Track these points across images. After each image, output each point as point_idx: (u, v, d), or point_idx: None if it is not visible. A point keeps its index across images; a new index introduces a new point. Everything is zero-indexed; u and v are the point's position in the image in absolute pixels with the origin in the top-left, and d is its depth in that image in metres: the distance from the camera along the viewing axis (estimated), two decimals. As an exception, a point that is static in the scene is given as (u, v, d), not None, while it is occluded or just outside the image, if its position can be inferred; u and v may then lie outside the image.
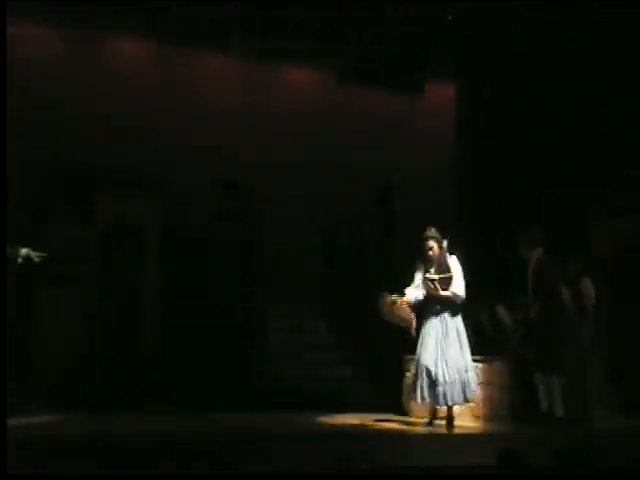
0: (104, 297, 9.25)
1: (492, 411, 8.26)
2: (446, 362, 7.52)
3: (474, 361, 7.86)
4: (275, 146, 9.90)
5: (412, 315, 7.60)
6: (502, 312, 8.60)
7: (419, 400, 7.63)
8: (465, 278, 7.72)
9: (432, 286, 7.62)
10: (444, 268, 7.66)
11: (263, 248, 9.86)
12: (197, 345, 9.02)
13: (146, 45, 9.60)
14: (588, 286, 8.57)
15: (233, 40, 9.50)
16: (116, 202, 9.32)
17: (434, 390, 7.49)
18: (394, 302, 7.54)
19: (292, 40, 9.35)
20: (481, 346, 8.23)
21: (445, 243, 7.68)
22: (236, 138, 9.75)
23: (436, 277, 7.61)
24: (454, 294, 7.62)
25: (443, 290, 7.62)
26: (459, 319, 7.67)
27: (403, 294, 7.61)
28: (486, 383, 8.22)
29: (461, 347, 7.61)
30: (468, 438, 7.50)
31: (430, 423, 7.72)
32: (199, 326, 9.13)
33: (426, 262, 7.70)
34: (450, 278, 7.62)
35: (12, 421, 7.00)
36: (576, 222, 9.40)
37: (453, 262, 7.68)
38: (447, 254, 7.68)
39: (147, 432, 7.13)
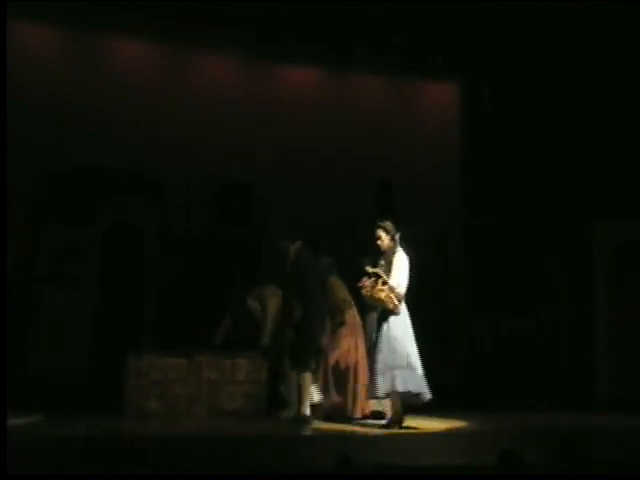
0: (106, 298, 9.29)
1: (247, 406, 8.37)
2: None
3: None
4: (276, 144, 9.90)
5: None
6: (254, 306, 8.46)
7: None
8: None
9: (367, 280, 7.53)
10: (388, 267, 7.55)
11: (265, 248, 9.81)
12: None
13: (147, 43, 9.64)
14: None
15: (234, 37, 9.52)
16: (117, 202, 9.35)
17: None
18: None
19: (295, 36, 9.37)
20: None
21: (397, 237, 7.58)
22: (238, 136, 9.76)
23: (371, 270, 7.52)
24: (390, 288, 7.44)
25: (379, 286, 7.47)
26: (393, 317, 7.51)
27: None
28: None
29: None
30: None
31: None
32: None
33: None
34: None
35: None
36: (577, 224, 9.38)
37: (397, 258, 7.56)
38: (397, 251, 7.58)
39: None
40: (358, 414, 8.14)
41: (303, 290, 7.91)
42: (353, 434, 7.41)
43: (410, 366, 7.36)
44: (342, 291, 8.38)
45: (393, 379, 7.33)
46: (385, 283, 7.43)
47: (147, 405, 8.28)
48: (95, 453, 6.13)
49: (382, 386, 7.35)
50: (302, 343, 7.86)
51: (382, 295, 7.41)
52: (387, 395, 7.46)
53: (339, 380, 8.23)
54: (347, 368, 8.22)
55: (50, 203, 9.07)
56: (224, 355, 8.50)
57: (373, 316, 8.02)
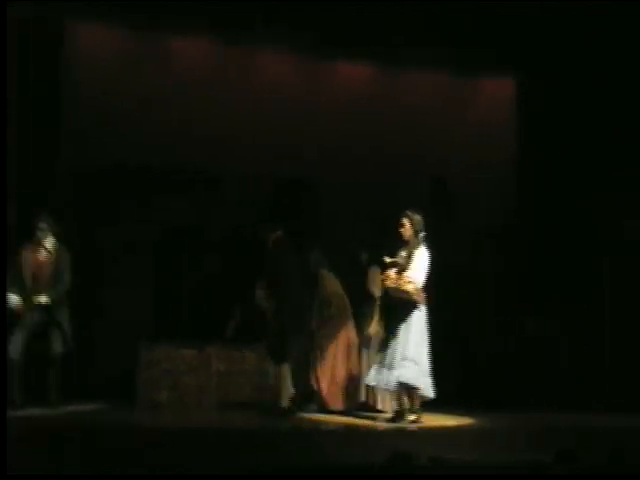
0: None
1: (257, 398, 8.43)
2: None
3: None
4: (329, 141, 9.83)
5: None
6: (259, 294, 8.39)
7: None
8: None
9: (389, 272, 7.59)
10: (409, 261, 7.59)
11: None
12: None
13: (203, 43, 9.63)
14: (374, 274, 8.40)
15: (289, 36, 9.47)
16: (174, 202, 9.36)
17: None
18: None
19: (345, 33, 9.23)
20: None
21: (421, 235, 7.63)
22: (292, 134, 9.72)
23: (388, 260, 7.59)
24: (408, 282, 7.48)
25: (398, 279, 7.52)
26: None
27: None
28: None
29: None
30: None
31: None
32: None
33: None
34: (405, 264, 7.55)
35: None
36: (628, 226, 9.35)
37: (420, 252, 7.61)
38: (420, 246, 7.62)
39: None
40: (343, 406, 8.21)
41: (278, 281, 7.94)
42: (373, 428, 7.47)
43: (421, 362, 7.47)
44: (333, 284, 8.48)
45: (406, 372, 7.42)
46: (402, 272, 7.50)
47: (158, 396, 8.34)
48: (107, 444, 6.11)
49: (394, 378, 7.44)
50: (277, 334, 7.87)
51: (410, 287, 7.45)
52: (398, 388, 7.54)
53: (329, 371, 8.27)
54: (336, 359, 8.27)
55: (102, 202, 9.09)
56: (233, 347, 8.53)
57: (367, 310, 8.36)
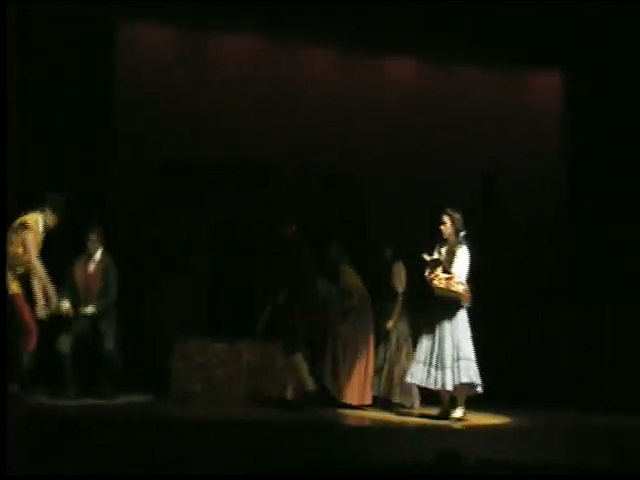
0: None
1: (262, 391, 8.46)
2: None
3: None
4: (378, 138, 9.80)
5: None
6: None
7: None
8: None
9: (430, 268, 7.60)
10: (452, 260, 7.63)
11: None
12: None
13: (250, 41, 9.66)
14: (399, 270, 8.47)
15: (337, 33, 9.44)
16: (226, 198, 9.46)
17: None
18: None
19: (395, 29, 9.18)
20: None
21: (461, 234, 7.65)
22: (341, 131, 9.69)
23: (434, 258, 7.61)
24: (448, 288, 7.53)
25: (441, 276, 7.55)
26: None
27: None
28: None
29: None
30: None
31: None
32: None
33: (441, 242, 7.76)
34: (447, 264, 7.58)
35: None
36: None
37: (462, 252, 7.64)
38: (462, 245, 7.65)
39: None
40: (358, 400, 8.29)
41: (291, 274, 8.01)
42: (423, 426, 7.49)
43: (470, 358, 7.56)
44: (353, 278, 8.59)
45: (460, 371, 7.50)
46: (446, 271, 7.56)
47: (191, 388, 8.41)
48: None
49: (451, 379, 7.51)
50: (289, 328, 7.97)
51: (460, 288, 7.51)
52: (455, 387, 7.57)
53: (349, 365, 8.37)
54: (356, 353, 8.38)
55: (163, 198, 9.25)
56: (265, 341, 8.53)
57: (390, 306, 8.42)
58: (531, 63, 10.08)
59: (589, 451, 5.81)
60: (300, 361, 7.93)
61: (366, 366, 8.35)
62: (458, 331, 7.54)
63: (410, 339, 8.37)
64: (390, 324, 8.37)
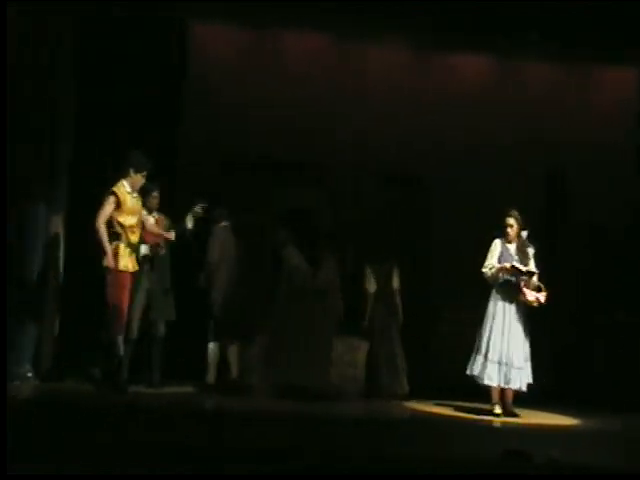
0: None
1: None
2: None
3: None
4: (441, 136, 9.79)
5: None
6: None
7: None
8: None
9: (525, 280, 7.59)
10: (527, 261, 7.66)
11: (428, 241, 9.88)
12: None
13: (316, 40, 9.74)
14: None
15: (404, 28, 9.43)
16: (289, 191, 9.54)
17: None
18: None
19: (460, 25, 9.10)
20: None
21: (524, 233, 7.73)
22: (405, 128, 9.72)
23: (531, 270, 7.59)
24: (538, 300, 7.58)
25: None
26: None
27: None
28: None
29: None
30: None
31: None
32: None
33: (503, 240, 7.78)
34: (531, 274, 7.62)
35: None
36: None
37: (533, 252, 7.73)
38: (531, 246, 7.73)
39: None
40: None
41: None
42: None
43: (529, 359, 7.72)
44: (294, 258, 8.49)
45: (529, 373, 7.67)
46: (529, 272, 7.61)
47: (250, 379, 8.40)
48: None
49: (525, 380, 7.65)
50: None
51: (544, 298, 7.62)
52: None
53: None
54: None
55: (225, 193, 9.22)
56: None
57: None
58: (599, 59, 9.90)
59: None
60: (211, 349, 8.21)
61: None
62: (527, 332, 7.64)
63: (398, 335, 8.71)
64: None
